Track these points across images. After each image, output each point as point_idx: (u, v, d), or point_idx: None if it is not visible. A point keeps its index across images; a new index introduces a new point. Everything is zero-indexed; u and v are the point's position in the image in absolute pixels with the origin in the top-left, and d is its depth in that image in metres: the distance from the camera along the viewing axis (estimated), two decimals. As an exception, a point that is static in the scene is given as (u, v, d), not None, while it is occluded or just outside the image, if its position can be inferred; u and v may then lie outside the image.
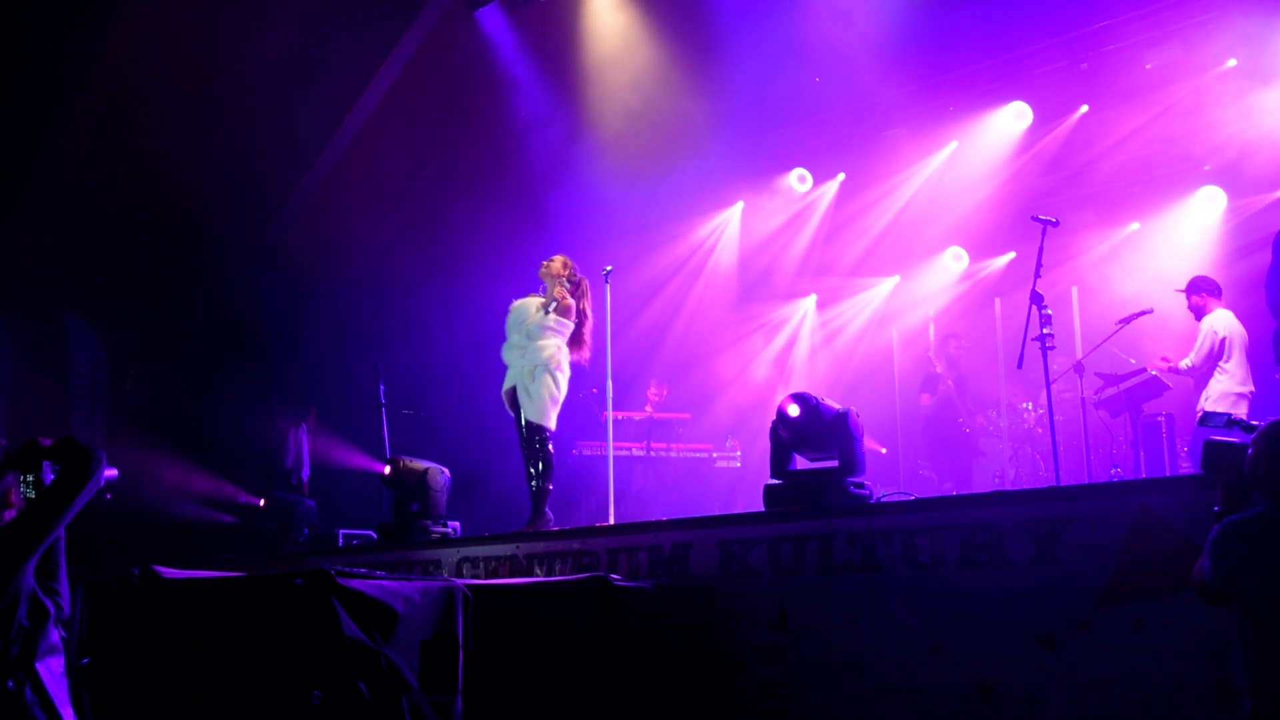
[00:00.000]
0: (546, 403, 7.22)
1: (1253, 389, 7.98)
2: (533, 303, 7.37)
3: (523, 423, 7.26)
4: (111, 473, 3.45)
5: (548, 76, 11.36)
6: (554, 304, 7.26)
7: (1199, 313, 8.29)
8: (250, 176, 11.18)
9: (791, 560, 5.23)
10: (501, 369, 7.47)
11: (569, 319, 7.29)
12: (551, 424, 7.26)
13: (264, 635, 4.27)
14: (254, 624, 4.33)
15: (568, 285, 7.37)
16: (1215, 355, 8.01)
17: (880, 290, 12.44)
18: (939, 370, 10.78)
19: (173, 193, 10.61)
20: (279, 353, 11.76)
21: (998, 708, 4.53)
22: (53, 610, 3.20)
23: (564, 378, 7.31)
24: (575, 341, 7.34)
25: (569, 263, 7.47)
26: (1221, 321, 8.11)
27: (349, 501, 10.92)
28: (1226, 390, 7.92)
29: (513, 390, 7.31)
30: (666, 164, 11.20)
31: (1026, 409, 10.36)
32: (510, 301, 7.50)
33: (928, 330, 11.53)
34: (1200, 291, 8.34)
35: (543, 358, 7.19)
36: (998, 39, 10.18)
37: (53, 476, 3.25)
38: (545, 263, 7.45)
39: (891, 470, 11.13)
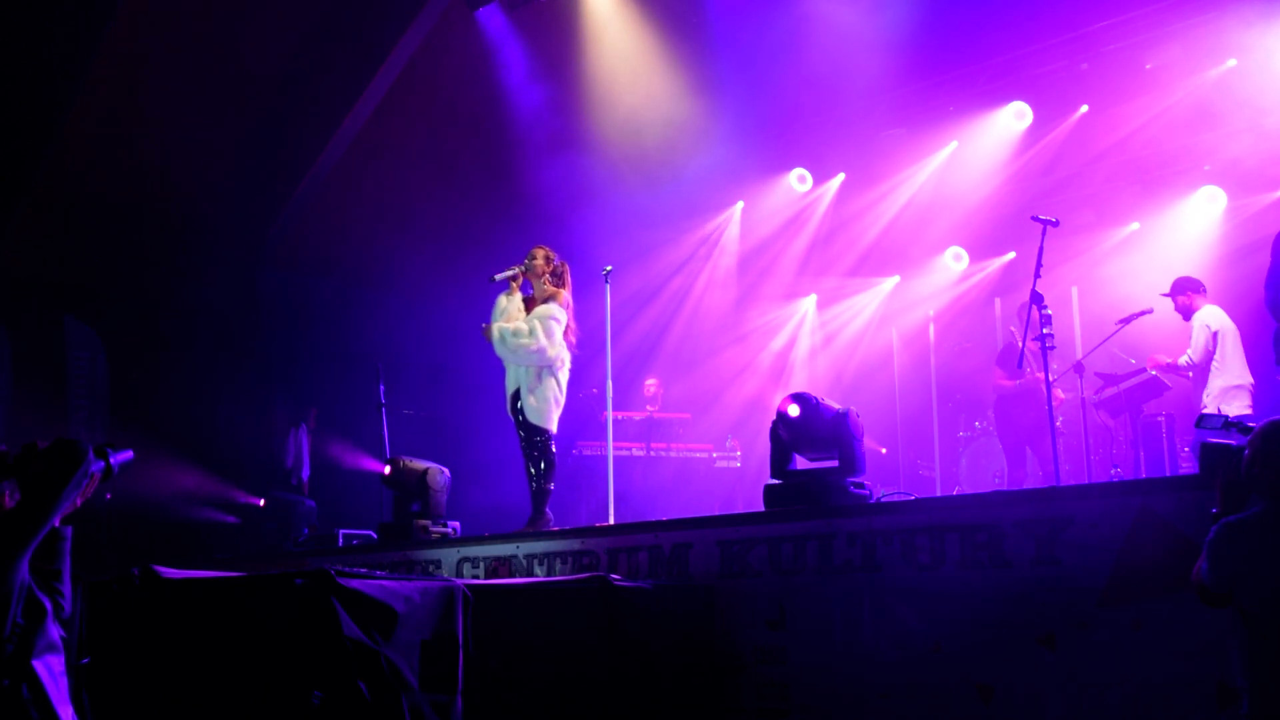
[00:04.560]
0: (549, 405, 7.21)
1: (1251, 381, 7.98)
2: (514, 302, 7.36)
3: (524, 424, 7.25)
4: (125, 455, 3.45)
5: (548, 76, 11.36)
6: (513, 278, 7.31)
7: (1187, 312, 8.33)
8: (250, 176, 11.19)
9: (791, 560, 5.23)
10: (501, 369, 7.46)
11: (560, 306, 7.26)
12: (553, 426, 7.26)
13: (264, 635, 4.27)
14: (254, 624, 4.33)
15: (551, 280, 7.39)
16: (1211, 349, 8.03)
17: (880, 290, 12.44)
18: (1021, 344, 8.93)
19: (172, 193, 10.62)
20: (279, 353, 11.76)
21: (998, 708, 4.53)
22: (50, 607, 3.19)
23: (565, 377, 7.32)
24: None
25: (550, 255, 7.47)
26: (1212, 316, 8.14)
27: (349, 501, 10.92)
28: (1226, 385, 7.93)
29: (516, 392, 7.31)
30: (666, 164, 11.20)
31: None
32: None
33: (928, 330, 11.53)
34: (1185, 291, 8.37)
35: (547, 358, 7.18)
36: (998, 39, 10.19)
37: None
38: (528, 261, 7.45)
39: (891, 470, 11.13)
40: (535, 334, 7.15)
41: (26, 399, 10.69)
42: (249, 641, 4.32)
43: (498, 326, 7.24)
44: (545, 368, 7.20)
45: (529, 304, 7.40)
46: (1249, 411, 7.74)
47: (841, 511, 5.20)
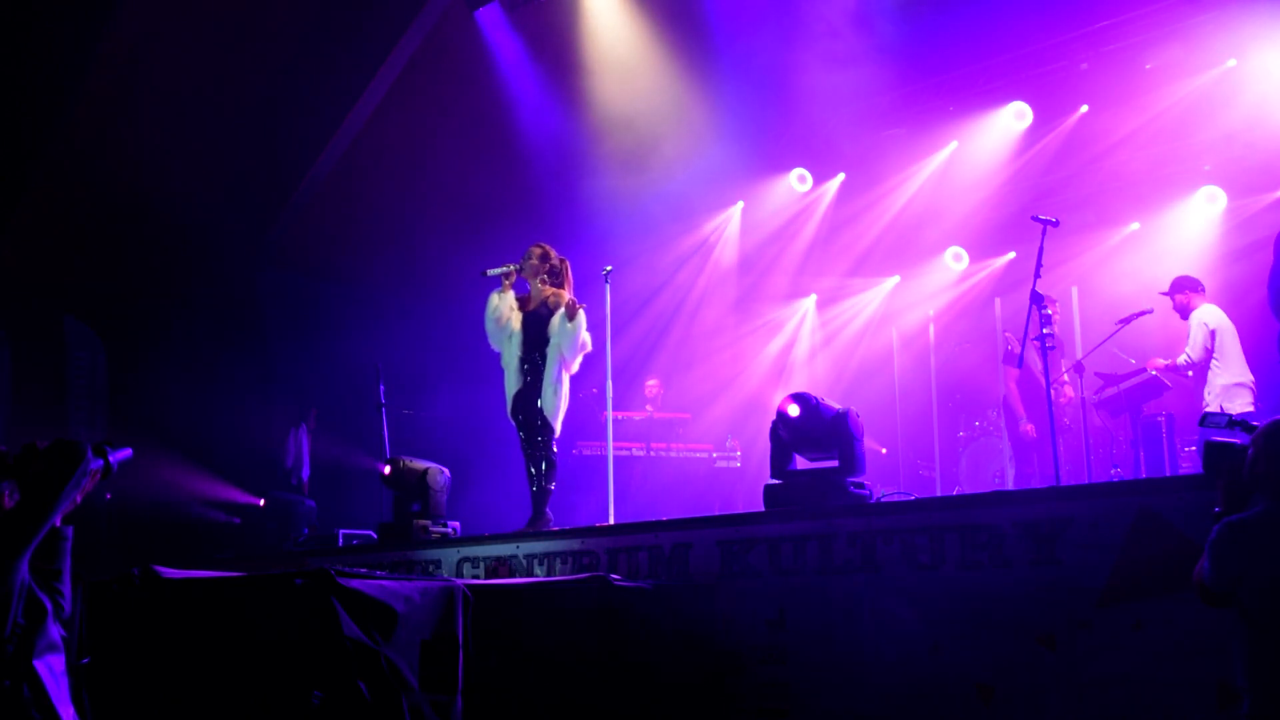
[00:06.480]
0: (560, 404, 7.20)
1: (1252, 378, 8.01)
2: (506, 301, 7.34)
3: (529, 423, 7.23)
4: (125, 453, 3.46)
5: (547, 76, 11.36)
6: (506, 275, 7.28)
7: (1184, 311, 8.36)
8: (250, 176, 11.19)
9: (791, 560, 5.23)
10: (499, 369, 7.44)
11: (578, 308, 7.23)
12: (559, 425, 7.25)
13: (264, 635, 4.27)
14: (254, 624, 4.33)
15: (548, 279, 7.36)
16: (1210, 348, 8.06)
17: (880, 290, 12.44)
18: (1015, 349, 8.67)
19: (173, 193, 10.61)
20: (279, 352, 11.76)
21: (998, 708, 4.53)
22: (50, 607, 3.20)
23: (569, 378, 7.32)
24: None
25: (548, 253, 7.44)
26: (1210, 315, 8.18)
27: (349, 501, 10.92)
28: (1228, 383, 7.96)
29: (520, 394, 7.29)
30: (666, 164, 11.20)
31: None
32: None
33: (928, 330, 11.52)
34: (1183, 290, 8.41)
35: (555, 358, 7.17)
36: (998, 39, 10.19)
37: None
38: (524, 259, 7.41)
39: (891, 470, 11.13)
40: (581, 326, 7.16)
41: (26, 399, 10.68)
42: (249, 641, 4.33)
43: (571, 299, 7.18)
44: (564, 366, 7.18)
45: (524, 302, 7.37)
46: (1251, 409, 7.76)
47: (841, 511, 5.20)
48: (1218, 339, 8.06)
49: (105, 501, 10.28)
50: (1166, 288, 8.57)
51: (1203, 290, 8.40)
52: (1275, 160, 9.72)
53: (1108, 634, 4.30)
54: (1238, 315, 8.27)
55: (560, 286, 7.35)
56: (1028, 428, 9.01)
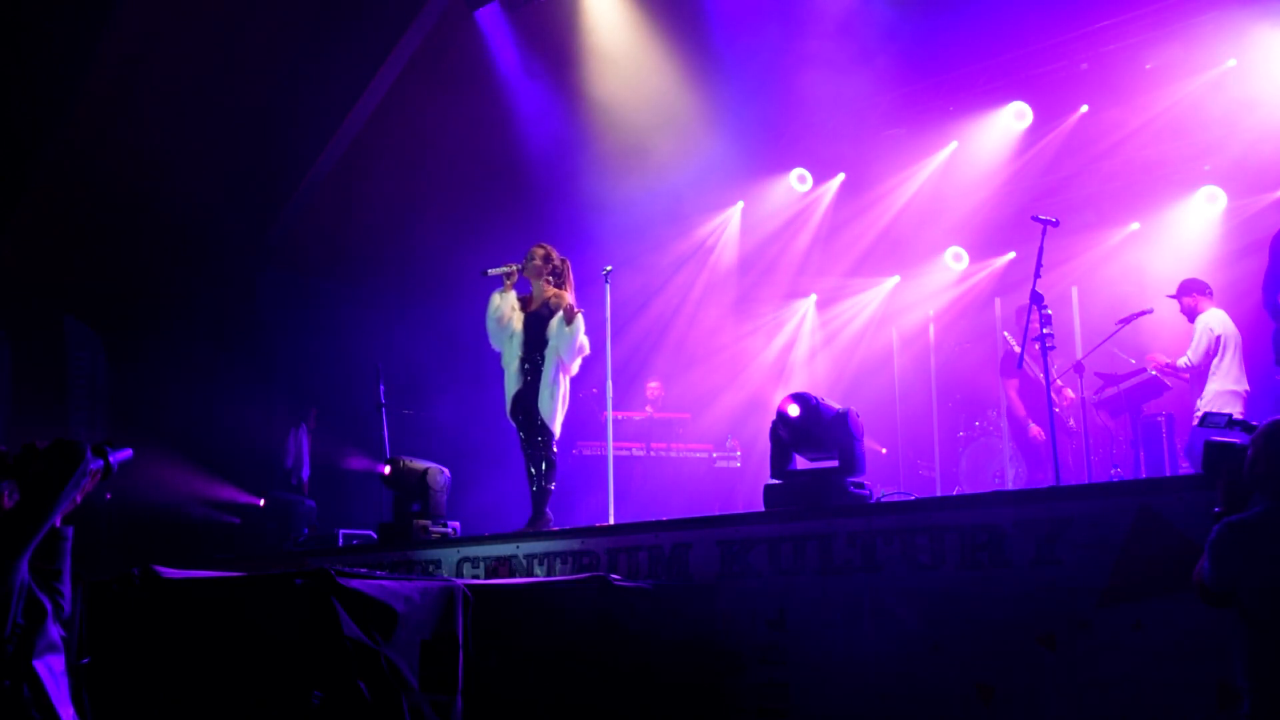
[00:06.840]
0: (557, 407, 7.20)
1: (1247, 389, 8.00)
2: (508, 301, 7.34)
3: (529, 424, 7.23)
4: (125, 453, 3.46)
5: (547, 76, 11.36)
6: (507, 275, 7.30)
7: (1191, 314, 8.35)
8: (250, 176, 11.19)
9: (791, 560, 5.23)
10: (499, 369, 7.44)
11: (575, 313, 7.23)
12: (558, 428, 7.25)
13: (264, 635, 4.27)
14: (254, 624, 4.33)
15: (551, 280, 7.36)
16: (1212, 353, 8.05)
17: (880, 290, 12.44)
18: (1017, 349, 8.30)
19: (172, 193, 10.62)
20: (279, 352, 11.76)
21: (998, 708, 4.53)
22: (50, 607, 3.20)
23: (568, 380, 7.31)
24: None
25: (550, 254, 7.44)
26: (1216, 319, 8.16)
27: (349, 501, 10.92)
28: (1220, 390, 7.95)
29: (519, 394, 7.28)
30: (666, 164, 11.20)
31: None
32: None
33: (928, 330, 11.53)
34: (1191, 293, 8.40)
35: (553, 361, 7.17)
36: (998, 39, 10.19)
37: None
38: (526, 260, 7.42)
39: (891, 470, 11.13)
40: (579, 331, 7.16)
41: (26, 399, 10.69)
42: (249, 641, 4.33)
43: (569, 303, 7.17)
44: (563, 369, 7.17)
45: (526, 303, 7.38)
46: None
47: (841, 511, 5.20)
48: (1221, 345, 8.05)
49: (105, 501, 10.29)
50: (1167, 288, 8.57)
51: (1210, 294, 8.37)
52: (1275, 160, 9.72)
53: (1108, 634, 4.30)
54: (1237, 315, 8.26)
55: (562, 287, 7.33)
56: (1035, 431, 9.01)
